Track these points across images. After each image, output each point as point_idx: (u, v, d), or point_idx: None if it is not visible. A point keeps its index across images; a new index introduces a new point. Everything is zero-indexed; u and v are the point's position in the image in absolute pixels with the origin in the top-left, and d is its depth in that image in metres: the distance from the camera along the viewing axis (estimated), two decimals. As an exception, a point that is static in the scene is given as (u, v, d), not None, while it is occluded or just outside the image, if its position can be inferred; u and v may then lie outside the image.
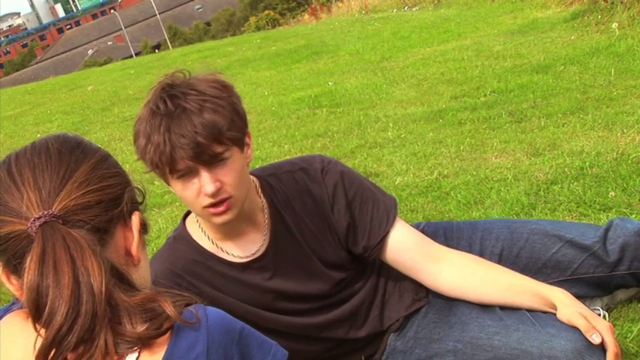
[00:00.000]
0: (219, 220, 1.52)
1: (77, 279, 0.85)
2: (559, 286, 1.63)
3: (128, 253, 0.97)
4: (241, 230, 1.62)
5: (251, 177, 1.63)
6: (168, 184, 1.52)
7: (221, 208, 1.50)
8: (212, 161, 1.45)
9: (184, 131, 1.41)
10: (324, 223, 1.68)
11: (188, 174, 1.46)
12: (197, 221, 1.65)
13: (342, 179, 1.68)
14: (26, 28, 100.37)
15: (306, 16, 17.80)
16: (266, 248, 1.65)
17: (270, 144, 4.60)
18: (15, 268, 0.89)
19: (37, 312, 0.85)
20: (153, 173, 1.52)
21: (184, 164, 1.43)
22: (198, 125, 1.41)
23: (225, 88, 1.49)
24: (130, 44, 54.55)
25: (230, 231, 1.61)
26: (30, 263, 0.85)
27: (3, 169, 0.93)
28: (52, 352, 0.83)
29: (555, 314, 1.55)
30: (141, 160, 1.50)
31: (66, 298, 0.84)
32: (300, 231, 1.67)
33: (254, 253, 1.65)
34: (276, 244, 1.65)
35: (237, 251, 1.64)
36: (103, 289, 0.85)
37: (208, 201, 1.48)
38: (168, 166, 1.44)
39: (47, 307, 0.84)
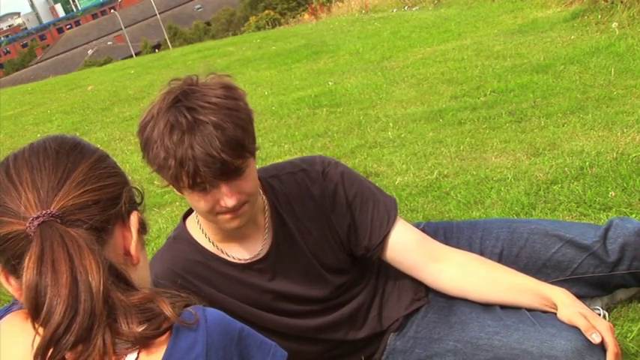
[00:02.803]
0: (232, 224, 1.53)
1: (75, 278, 0.85)
2: (559, 286, 1.63)
3: (127, 252, 0.97)
4: (242, 232, 1.62)
5: None
6: (181, 194, 1.51)
7: (236, 214, 1.50)
8: (234, 176, 1.45)
9: (209, 149, 1.38)
10: (325, 225, 1.68)
11: (208, 188, 1.45)
12: (197, 222, 1.64)
13: (342, 180, 1.68)
14: (26, 28, 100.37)
15: (306, 16, 17.79)
16: (267, 251, 1.65)
17: (270, 144, 4.60)
18: (14, 269, 0.90)
19: (35, 311, 0.85)
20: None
21: (207, 180, 1.42)
22: (223, 142, 1.39)
23: (239, 97, 1.48)
24: (130, 44, 54.55)
25: (232, 233, 1.61)
26: (28, 262, 0.85)
27: (1, 170, 0.93)
28: (50, 351, 0.83)
29: (555, 314, 1.55)
30: (157, 171, 1.47)
31: (64, 296, 0.84)
32: (301, 234, 1.66)
33: (254, 256, 1.64)
34: (277, 247, 1.65)
35: (238, 253, 1.64)
36: (101, 287, 0.85)
37: (225, 210, 1.48)
38: (188, 182, 1.43)
39: (45, 306, 0.84)
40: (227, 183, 1.45)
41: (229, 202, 1.46)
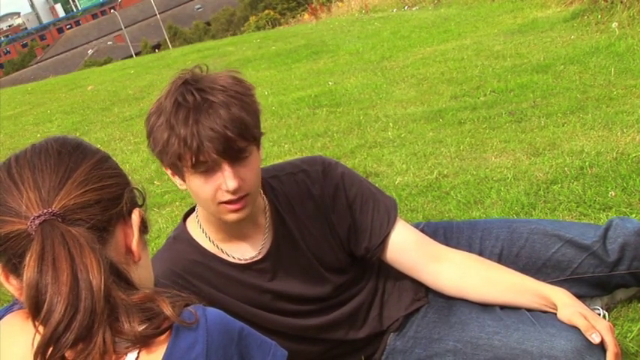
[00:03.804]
0: (234, 216, 1.52)
1: (76, 276, 0.85)
2: (559, 286, 1.63)
3: (128, 250, 0.97)
4: (243, 232, 1.62)
5: None
6: (184, 180, 1.51)
7: (238, 205, 1.50)
8: (236, 156, 1.45)
9: (213, 125, 1.40)
10: (325, 226, 1.68)
11: (210, 168, 1.45)
12: (198, 222, 1.64)
13: (342, 180, 1.69)
14: (26, 28, 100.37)
15: (306, 16, 17.78)
16: (267, 251, 1.65)
17: (270, 144, 4.60)
18: (15, 268, 0.90)
19: (35, 309, 0.85)
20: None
21: (210, 158, 1.43)
22: (227, 120, 1.41)
23: (247, 88, 1.50)
24: (130, 44, 54.55)
25: (232, 232, 1.61)
26: (29, 261, 0.85)
27: (3, 170, 0.93)
28: (50, 350, 0.84)
29: (555, 314, 1.55)
30: (158, 154, 1.49)
31: (64, 295, 0.84)
32: (302, 234, 1.67)
33: (255, 256, 1.64)
34: (277, 247, 1.65)
35: (238, 253, 1.64)
36: (102, 286, 0.85)
37: (227, 197, 1.48)
38: (191, 160, 1.43)
39: (46, 304, 0.84)
40: (230, 164, 1.45)
41: (230, 183, 1.45)
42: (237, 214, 1.52)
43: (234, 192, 1.47)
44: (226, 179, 1.45)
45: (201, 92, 1.43)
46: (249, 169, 1.48)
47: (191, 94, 1.43)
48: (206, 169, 1.45)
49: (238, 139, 1.43)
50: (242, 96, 1.46)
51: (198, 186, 1.48)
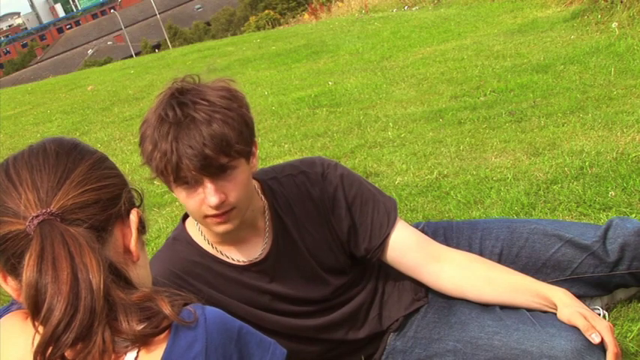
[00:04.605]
0: (220, 229, 1.52)
1: (76, 275, 0.85)
2: (559, 286, 1.63)
3: (127, 250, 0.97)
4: (242, 236, 1.62)
5: (252, 180, 1.63)
6: (172, 191, 1.51)
7: (222, 218, 1.49)
8: (218, 173, 1.44)
9: (192, 142, 1.39)
10: (325, 228, 1.68)
11: (192, 183, 1.45)
12: (197, 223, 1.64)
13: (342, 182, 1.68)
14: (26, 28, 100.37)
15: (306, 16, 17.78)
16: (267, 253, 1.64)
17: (270, 144, 4.60)
18: (13, 268, 0.90)
19: (35, 309, 0.85)
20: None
21: (190, 174, 1.42)
22: (206, 137, 1.40)
23: (236, 99, 1.48)
24: (130, 44, 54.56)
25: (231, 236, 1.60)
26: (29, 260, 0.85)
27: (1, 171, 0.93)
28: (50, 349, 0.83)
29: (555, 314, 1.55)
30: (146, 165, 1.49)
31: (64, 294, 0.84)
32: (301, 236, 1.66)
33: (254, 258, 1.64)
34: (277, 249, 1.65)
35: (237, 256, 1.64)
36: (102, 285, 0.85)
37: (211, 212, 1.47)
38: (172, 175, 1.43)
39: (46, 303, 0.84)
40: (211, 180, 1.44)
41: (212, 199, 1.44)
42: (223, 226, 1.51)
43: (216, 207, 1.46)
44: (207, 195, 1.45)
45: (184, 107, 1.42)
46: (233, 184, 1.47)
47: (172, 110, 1.42)
48: (188, 183, 1.45)
49: (219, 156, 1.42)
50: (227, 110, 1.43)
51: (183, 199, 1.49)
